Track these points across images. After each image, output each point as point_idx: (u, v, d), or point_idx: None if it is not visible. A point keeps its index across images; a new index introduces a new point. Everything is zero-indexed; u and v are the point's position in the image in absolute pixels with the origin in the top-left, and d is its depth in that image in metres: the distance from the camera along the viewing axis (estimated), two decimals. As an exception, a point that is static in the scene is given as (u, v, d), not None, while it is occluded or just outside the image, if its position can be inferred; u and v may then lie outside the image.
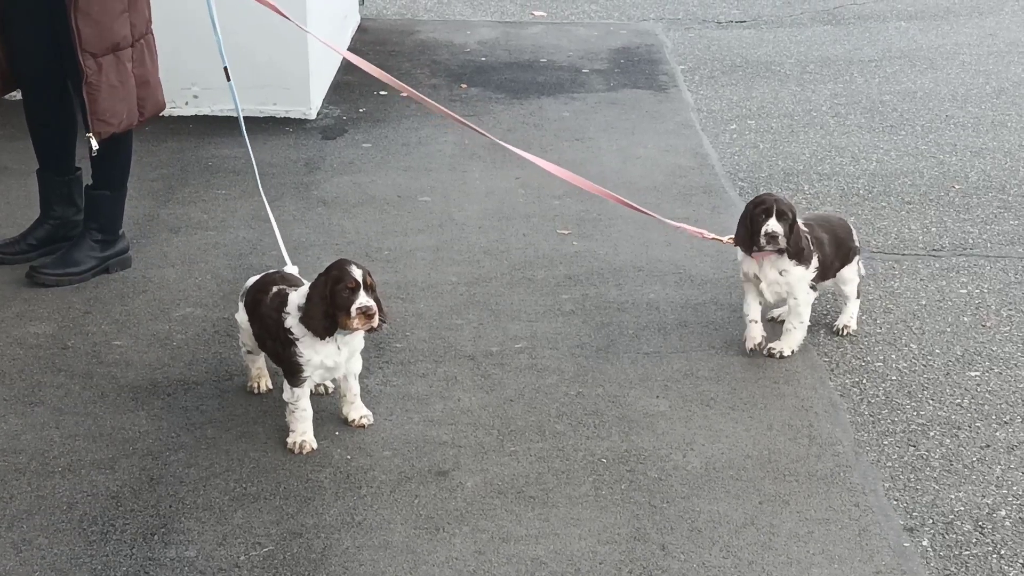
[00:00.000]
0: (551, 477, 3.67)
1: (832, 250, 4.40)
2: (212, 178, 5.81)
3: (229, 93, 6.47)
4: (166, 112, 6.46)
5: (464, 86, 7.21)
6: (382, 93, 7.05)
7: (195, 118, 6.50)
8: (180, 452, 3.73)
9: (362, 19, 8.39)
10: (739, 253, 4.33)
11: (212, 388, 4.08)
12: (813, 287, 4.33)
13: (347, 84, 7.15)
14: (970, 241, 5.35)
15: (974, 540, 3.50)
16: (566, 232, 5.32)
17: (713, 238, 4.50)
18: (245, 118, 6.43)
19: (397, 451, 3.78)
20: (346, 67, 7.43)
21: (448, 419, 3.95)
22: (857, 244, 4.53)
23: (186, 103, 6.52)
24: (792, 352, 4.34)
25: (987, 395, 4.20)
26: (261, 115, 6.52)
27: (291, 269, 4.13)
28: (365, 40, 8.02)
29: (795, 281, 4.28)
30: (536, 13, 8.95)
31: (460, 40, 8.13)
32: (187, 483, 3.60)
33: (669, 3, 9.28)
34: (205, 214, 5.42)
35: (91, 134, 4.54)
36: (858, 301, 4.58)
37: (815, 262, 4.29)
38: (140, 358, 4.25)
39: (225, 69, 4.62)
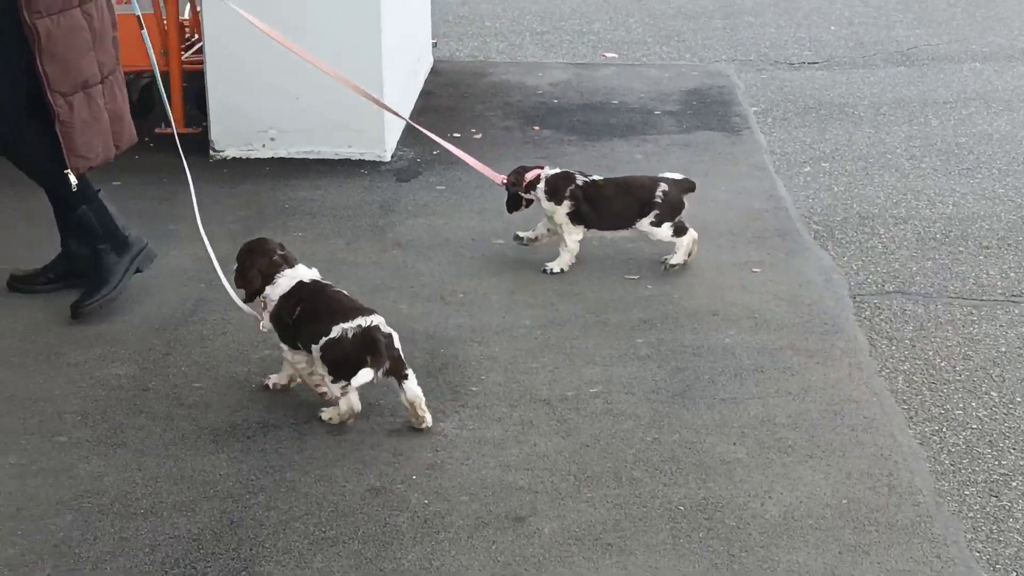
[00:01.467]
0: (628, 524, 3.66)
1: (615, 206, 5.32)
2: (289, 220, 5.88)
3: (305, 136, 6.62)
4: (244, 155, 6.58)
5: (537, 128, 7.25)
6: (456, 135, 7.10)
7: (271, 160, 6.58)
8: (260, 495, 3.77)
9: (435, 61, 8.46)
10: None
11: (291, 431, 4.11)
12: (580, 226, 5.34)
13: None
14: (1050, 286, 5.29)
15: (1059, 594, 3.45)
16: (636, 278, 5.31)
17: (503, 183, 5.42)
18: (321, 160, 6.56)
19: (474, 496, 3.79)
20: (420, 109, 7.51)
21: (525, 464, 3.96)
22: (654, 202, 5.29)
23: (263, 145, 6.60)
24: (561, 270, 5.31)
25: (1070, 445, 4.15)
26: (336, 157, 6.59)
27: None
28: (438, 82, 8.08)
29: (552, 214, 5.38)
30: (607, 55, 8.99)
31: (532, 82, 8.18)
32: (267, 526, 3.63)
33: (741, 44, 9.28)
34: (282, 256, 5.47)
35: (68, 170, 4.67)
36: (680, 241, 5.28)
37: (567, 204, 5.29)
38: (220, 400, 4.30)
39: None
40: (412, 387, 4.09)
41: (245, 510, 3.70)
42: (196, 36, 7.35)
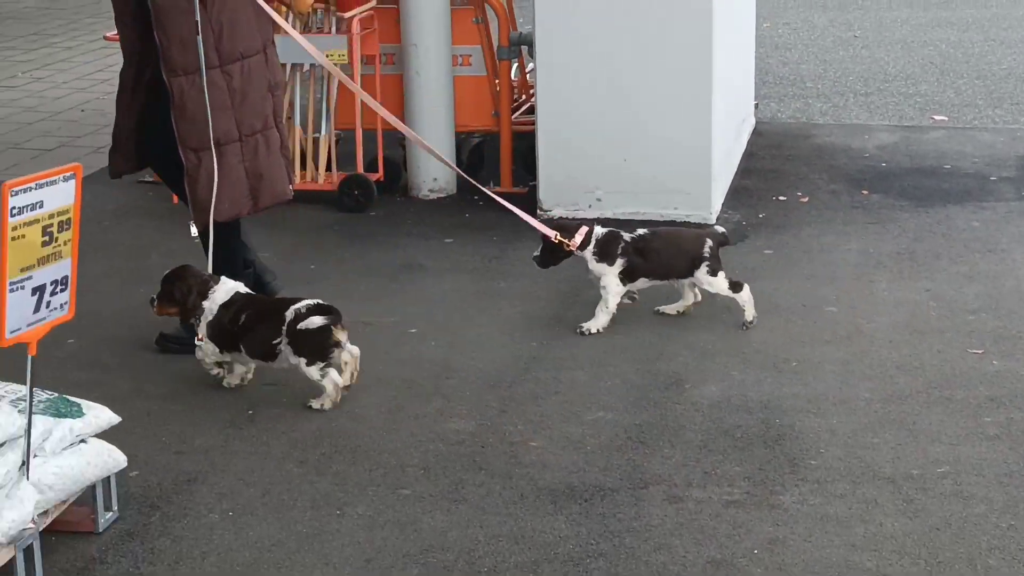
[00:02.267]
0: (987, 616, 3.47)
1: (663, 257, 5.33)
2: (615, 281, 5.88)
3: (631, 197, 6.63)
4: (570, 214, 6.64)
5: (865, 192, 7.06)
6: (781, 198, 6.99)
7: (598, 220, 6.57)
8: (600, 560, 3.74)
9: (757, 122, 8.37)
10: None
11: (627, 496, 4.08)
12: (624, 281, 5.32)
13: (745, 189, 7.13)
14: None
15: None
16: (980, 352, 5.07)
17: (559, 240, 5.22)
18: (646, 221, 6.53)
19: (819, 575, 3.66)
20: (743, 171, 7.43)
21: (871, 544, 3.80)
22: (703, 255, 5.29)
23: (589, 206, 6.65)
24: (598, 331, 5.25)
25: None
26: (662, 218, 6.55)
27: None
28: (761, 144, 7.99)
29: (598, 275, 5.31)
30: (936, 117, 8.69)
31: (858, 144, 7.98)
32: (608, 593, 3.60)
33: (1081, 107, 8.83)
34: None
35: (191, 221, 4.87)
36: (741, 296, 5.31)
37: (620, 263, 5.26)
38: (556, 460, 4.31)
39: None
40: (354, 349, 4.69)
41: (586, 574, 3.67)
42: (524, 97, 7.50)
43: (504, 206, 5.23)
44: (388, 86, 6.98)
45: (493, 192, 5.50)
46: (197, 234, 4.97)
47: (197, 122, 4.78)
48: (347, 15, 6.63)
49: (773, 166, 7.58)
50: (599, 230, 5.33)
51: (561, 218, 6.36)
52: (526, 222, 5.26)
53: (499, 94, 7.06)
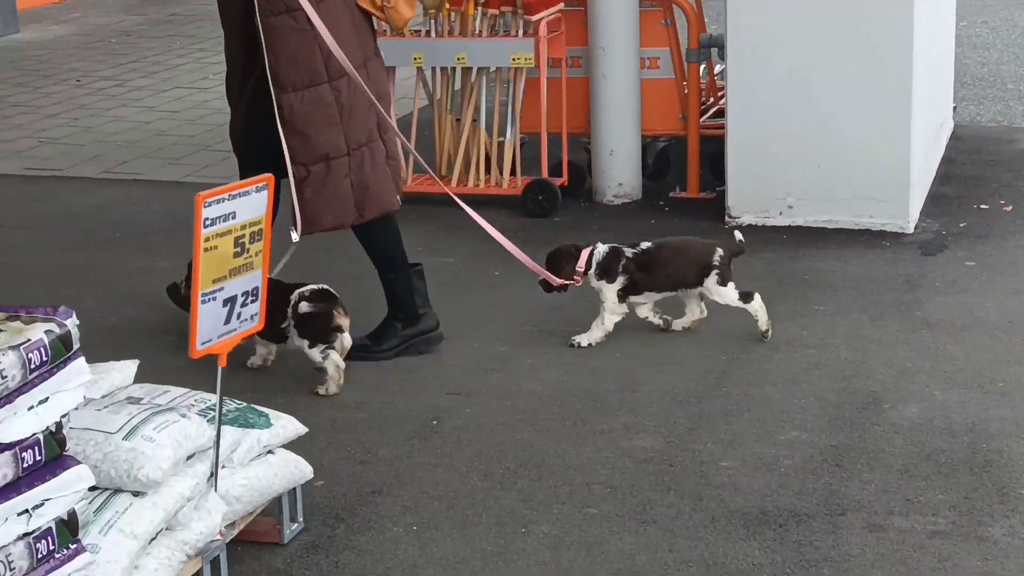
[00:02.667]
0: None
1: (670, 269, 5.19)
2: (809, 292, 5.68)
3: (824, 205, 6.40)
4: (759, 221, 6.44)
5: (1070, 202, 6.70)
6: (983, 207, 6.67)
7: (789, 228, 6.40)
8: (796, 591, 3.58)
9: (955, 126, 8.04)
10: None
11: (824, 522, 3.89)
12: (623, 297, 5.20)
13: (944, 196, 6.83)
14: None
15: None
16: None
17: (560, 283, 5.18)
18: (840, 230, 6.31)
19: (1034, 617, 3.44)
20: (941, 178, 7.13)
21: (1089, 585, 3.56)
22: (713, 264, 5.13)
23: (780, 213, 6.44)
24: (590, 344, 5.15)
25: None
26: (856, 228, 6.33)
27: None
28: (959, 148, 7.66)
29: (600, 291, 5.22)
30: None
31: (1064, 150, 7.60)
32: (806, 627, 3.43)
33: None
34: (804, 331, 5.27)
35: (292, 227, 4.81)
36: (753, 306, 5.13)
37: (620, 280, 5.15)
38: (748, 482, 4.14)
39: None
40: (346, 338, 4.78)
41: (783, 607, 3.52)
42: (711, 100, 7.32)
43: (490, 233, 5.13)
44: (574, 89, 6.88)
45: (479, 215, 5.19)
46: (296, 241, 4.91)
47: (308, 137, 4.77)
48: (534, 18, 6.55)
49: (973, 172, 7.25)
50: (601, 246, 5.22)
51: (749, 224, 6.17)
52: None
53: (687, 97, 6.90)
